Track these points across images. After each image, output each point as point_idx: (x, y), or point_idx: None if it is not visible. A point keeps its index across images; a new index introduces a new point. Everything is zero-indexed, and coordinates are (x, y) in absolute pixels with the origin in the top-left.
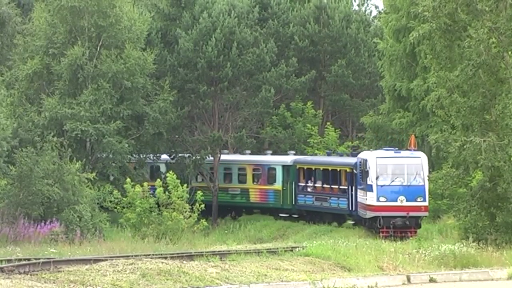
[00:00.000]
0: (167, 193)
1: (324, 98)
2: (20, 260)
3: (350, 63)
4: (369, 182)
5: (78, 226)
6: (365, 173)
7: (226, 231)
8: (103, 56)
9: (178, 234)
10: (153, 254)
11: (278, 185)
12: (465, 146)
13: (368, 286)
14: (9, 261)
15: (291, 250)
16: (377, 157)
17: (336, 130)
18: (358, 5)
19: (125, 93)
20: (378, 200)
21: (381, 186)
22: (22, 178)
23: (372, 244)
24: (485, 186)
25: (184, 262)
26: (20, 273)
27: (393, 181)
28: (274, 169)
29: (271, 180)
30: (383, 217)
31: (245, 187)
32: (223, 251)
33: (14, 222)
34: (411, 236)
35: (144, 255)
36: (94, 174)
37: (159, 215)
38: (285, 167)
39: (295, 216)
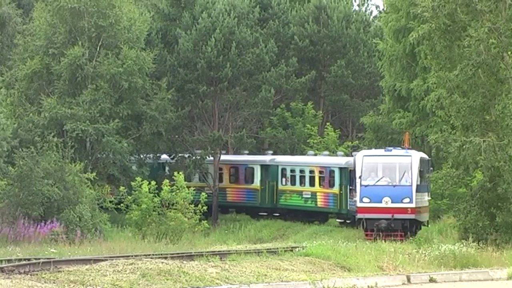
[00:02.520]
0: (173, 193)
1: (324, 98)
2: (20, 260)
3: (349, 63)
4: (356, 182)
5: (78, 226)
6: (353, 173)
7: (226, 231)
8: (102, 56)
9: (179, 234)
10: (153, 254)
11: (336, 189)
12: (465, 146)
13: (368, 286)
14: (9, 261)
15: (291, 250)
16: (364, 156)
17: (336, 130)
18: (358, 5)
19: (124, 94)
20: (361, 201)
21: (365, 186)
22: (22, 178)
23: (372, 244)
24: (485, 186)
25: (184, 262)
26: (20, 273)
27: (378, 181)
28: (333, 171)
29: (332, 183)
30: (366, 219)
31: (314, 190)
32: (223, 251)
33: (14, 222)
34: (400, 240)
35: (144, 255)
36: (94, 174)
37: (161, 215)
38: (342, 170)
39: (349, 221)
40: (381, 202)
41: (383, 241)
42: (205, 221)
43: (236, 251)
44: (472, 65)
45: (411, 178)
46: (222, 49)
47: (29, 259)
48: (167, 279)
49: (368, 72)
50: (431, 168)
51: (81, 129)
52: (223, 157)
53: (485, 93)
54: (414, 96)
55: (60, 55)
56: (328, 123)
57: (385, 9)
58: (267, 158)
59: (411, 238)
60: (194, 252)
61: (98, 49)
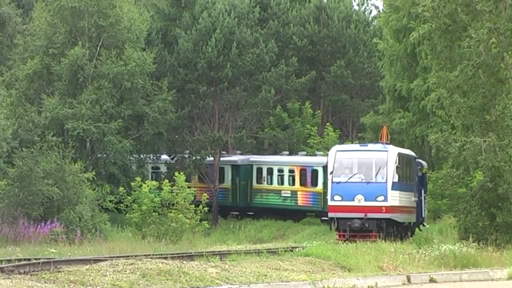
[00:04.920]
0: (173, 193)
1: (324, 98)
2: (20, 260)
3: (349, 63)
4: (327, 179)
5: (78, 226)
6: (326, 169)
7: (226, 231)
8: (103, 56)
9: (179, 234)
10: (153, 254)
11: None
12: (465, 147)
13: (368, 286)
14: (9, 261)
15: (291, 250)
16: (337, 151)
17: (336, 130)
18: (358, 5)
19: (125, 93)
20: (332, 199)
21: (337, 183)
22: (22, 178)
23: (372, 244)
24: (486, 186)
25: (184, 262)
26: (20, 273)
27: (350, 177)
28: None
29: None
30: (338, 218)
31: None
32: (223, 251)
33: (14, 222)
34: (374, 241)
35: (144, 255)
36: (94, 174)
37: (161, 216)
38: None
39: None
40: (353, 200)
41: (383, 241)
42: (205, 222)
43: (236, 251)
44: (472, 66)
45: (387, 175)
46: (222, 49)
47: (29, 259)
48: (167, 279)
49: (368, 72)
50: (420, 166)
51: (83, 128)
52: (293, 158)
53: (485, 93)
54: (414, 96)
55: (60, 55)
56: (328, 123)
57: (384, 9)
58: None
59: (411, 238)
60: (194, 252)
61: (98, 49)
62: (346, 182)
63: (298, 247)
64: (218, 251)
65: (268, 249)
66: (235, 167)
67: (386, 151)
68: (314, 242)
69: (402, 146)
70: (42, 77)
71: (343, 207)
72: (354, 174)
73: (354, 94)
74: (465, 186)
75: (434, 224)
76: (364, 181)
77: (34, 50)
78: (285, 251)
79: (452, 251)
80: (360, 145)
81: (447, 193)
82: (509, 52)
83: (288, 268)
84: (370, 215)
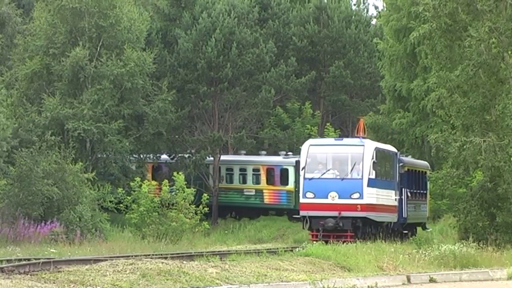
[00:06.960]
0: (173, 193)
1: (324, 99)
2: (20, 260)
3: (350, 63)
4: (300, 175)
5: (78, 226)
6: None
7: (226, 231)
8: (103, 57)
9: (179, 234)
10: (153, 254)
11: None
12: (465, 146)
13: (368, 286)
14: (9, 261)
15: (291, 250)
16: (310, 145)
17: (336, 131)
18: (356, 5)
19: (125, 93)
20: (304, 196)
21: (309, 179)
22: (22, 178)
23: (372, 244)
24: (485, 186)
25: (184, 262)
26: (20, 273)
27: (324, 173)
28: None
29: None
30: (310, 217)
31: None
32: (223, 251)
33: (14, 222)
34: (350, 241)
35: (144, 255)
36: (93, 174)
37: (161, 216)
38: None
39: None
40: (327, 197)
41: (383, 241)
42: (206, 222)
43: (236, 251)
44: (473, 65)
45: (362, 171)
46: (222, 49)
47: (29, 259)
48: (167, 279)
49: (368, 72)
50: (401, 163)
51: (83, 129)
52: None
53: (485, 93)
54: (414, 96)
55: (60, 55)
56: (328, 123)
57: (385, 8)
58: None
59: (411, 238)
60: (194, 252)
61: (98, 49)
62: (319, 178)
63: (298, 247)
64: (218, 251)
65: (268, 249)
66: (298, 168)
67: (363, 145)
68: (314, 242)
69: (402, 146)
70: (42, 77)
71: (315, 204)
72: (328, 170)
73: (354, 94)
74: (465, 186)
75: (434, 224)
76: (338, 177)
77: (34, 50)
78: (285, 251)
79: (452, 251)
80: (335, 139)
81: (447, 193)
82: (509, 52)
83: (288, 268)
84: (344, 214)
